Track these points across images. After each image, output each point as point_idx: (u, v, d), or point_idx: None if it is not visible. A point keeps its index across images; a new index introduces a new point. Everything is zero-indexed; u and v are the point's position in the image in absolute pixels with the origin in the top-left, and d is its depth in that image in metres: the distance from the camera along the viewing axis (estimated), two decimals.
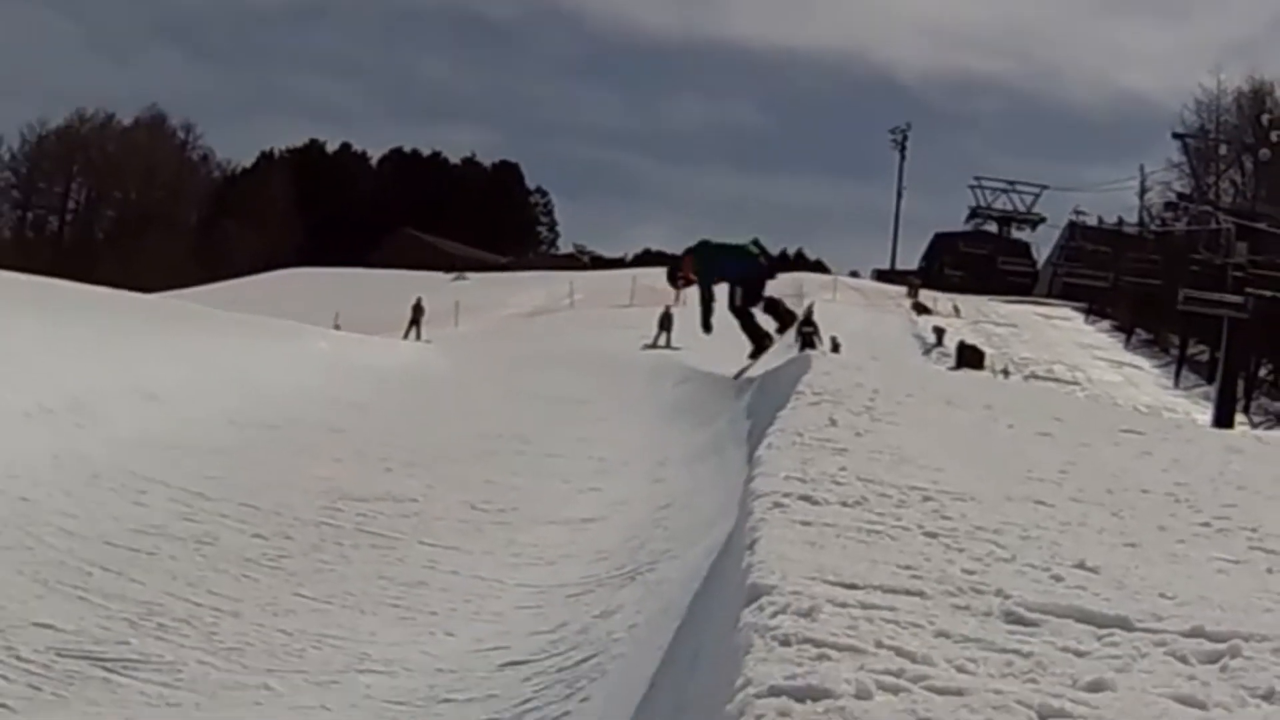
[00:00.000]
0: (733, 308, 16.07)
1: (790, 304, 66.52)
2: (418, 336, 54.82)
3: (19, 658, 13.76)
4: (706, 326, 15.44)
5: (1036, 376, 54.54)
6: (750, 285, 16.34)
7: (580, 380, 38.81)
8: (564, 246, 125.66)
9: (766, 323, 17.53)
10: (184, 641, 14.96)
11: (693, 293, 59.80)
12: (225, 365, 29.00)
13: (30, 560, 16.53)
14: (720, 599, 7.74)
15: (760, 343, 17.64)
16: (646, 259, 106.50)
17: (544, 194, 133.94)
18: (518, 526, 21.24)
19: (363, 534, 20.03)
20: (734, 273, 16.40)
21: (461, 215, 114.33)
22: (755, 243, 17.15)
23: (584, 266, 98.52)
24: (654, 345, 52.05)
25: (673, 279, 15.64)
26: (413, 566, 18.71)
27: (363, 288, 69.50)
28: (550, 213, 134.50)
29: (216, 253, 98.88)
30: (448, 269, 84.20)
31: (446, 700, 12.48)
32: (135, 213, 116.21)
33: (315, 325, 44.25)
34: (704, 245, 16.57)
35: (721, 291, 15.96)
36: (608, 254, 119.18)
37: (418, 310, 57.65)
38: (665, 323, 55.14)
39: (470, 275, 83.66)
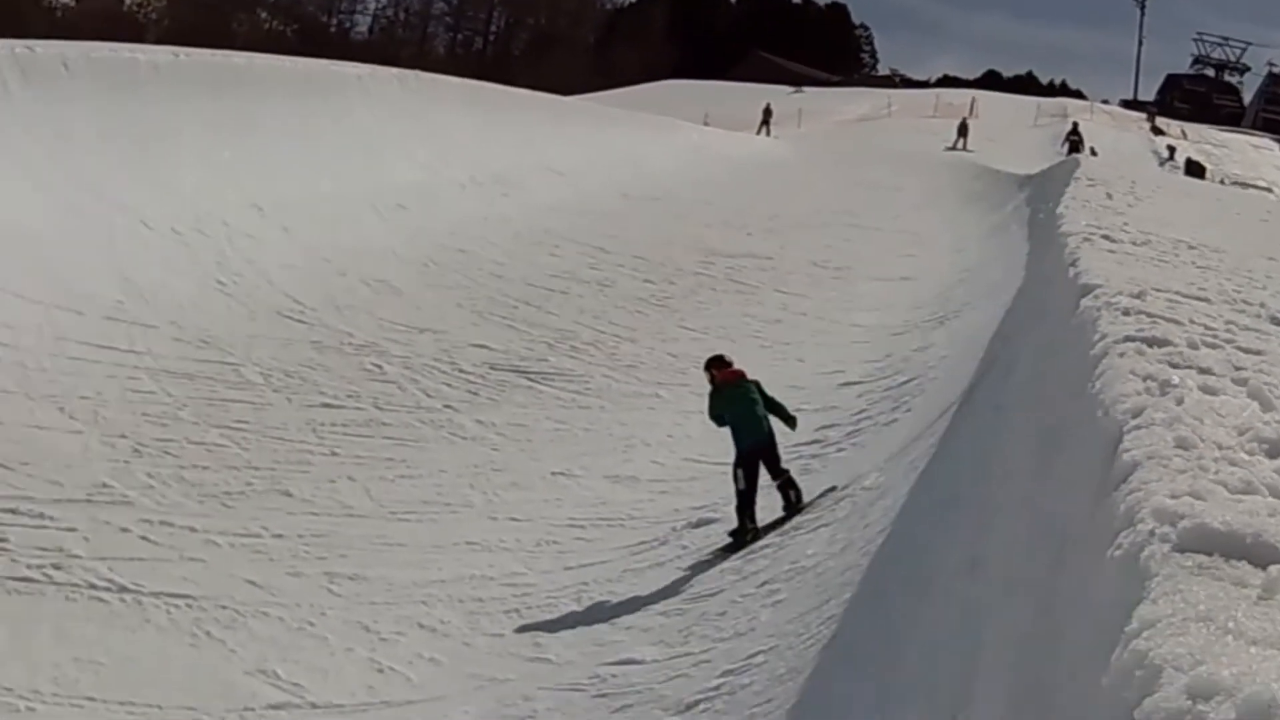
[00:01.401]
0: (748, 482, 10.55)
1: (1056, 120, 64.72)
2: (768, 134, 54.45)
3: (460, 370, 14.56)
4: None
5: (1244, 185, 53.32)
6: (768, 456, 11.31)
7: (895, 172, 38.83)
8: (881, 70, 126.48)
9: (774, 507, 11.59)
10: (591, 360, 15.66)
11: (983, 108, 58.00)
12: (617, 150, 29.59)
13: (468, 296, 17.27)
14: (1031, 318, 7.96)
15: (743, 528, 11.07)
16: (945, 82, 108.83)
17: (866, 29, 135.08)
18: (850, 281, 21.56)
19: (730, 282, 20.50)
20: (741, 438, 11.30)
21: (801, 44, 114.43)
22: (757, 386, 11.70)
23: (896, 85, 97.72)
24: (953, 148, 51.24)
25: (708, 370, 11.86)
26: (770, 308, 19.18)
27: (724, 96, 69.27)
28: (871, 43, 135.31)
29: (608, 69, 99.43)
30: (791, 84, 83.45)
31: (798, 410, 12.66)
32: (544, 35, 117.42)
33: (688, 122, 44.67)
34: (721, 390, 10.85)
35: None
36: (915, 76, 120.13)
37: (767, 113, 57.00)
38: (962, 130, 54.13)
39: (807, 89, 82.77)
